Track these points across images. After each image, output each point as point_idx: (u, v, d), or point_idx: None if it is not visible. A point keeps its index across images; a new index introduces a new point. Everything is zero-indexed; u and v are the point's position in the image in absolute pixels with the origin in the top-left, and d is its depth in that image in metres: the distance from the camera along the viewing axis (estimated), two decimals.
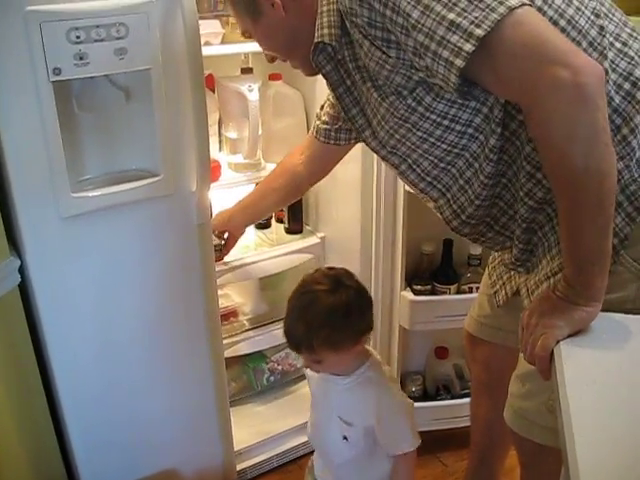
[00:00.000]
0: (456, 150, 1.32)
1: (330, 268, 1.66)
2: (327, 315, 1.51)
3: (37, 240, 1.70)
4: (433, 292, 2.24)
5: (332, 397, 1.67)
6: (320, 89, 2.24)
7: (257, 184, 2.32)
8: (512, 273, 1.58)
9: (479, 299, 1.81)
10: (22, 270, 1.78)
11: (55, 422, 2.04)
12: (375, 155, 2.06)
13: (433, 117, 1.28)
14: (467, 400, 2.40)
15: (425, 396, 2.49)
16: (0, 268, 1.73)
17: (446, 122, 1.28)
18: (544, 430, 1.39)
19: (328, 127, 1.79)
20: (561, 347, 1.09)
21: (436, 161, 1.36)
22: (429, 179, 1.41)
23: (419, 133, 1.31)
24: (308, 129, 2.34)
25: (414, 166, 1.40)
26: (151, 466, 2.12)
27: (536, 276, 1.37)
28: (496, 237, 1.45)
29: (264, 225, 2.45)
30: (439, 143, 1.32)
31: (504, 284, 1.63)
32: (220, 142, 2.28)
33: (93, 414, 1.95)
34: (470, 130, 1.29)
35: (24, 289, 1.83)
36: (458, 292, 2.24)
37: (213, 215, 2.03)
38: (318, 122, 1.82)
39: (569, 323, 1.13)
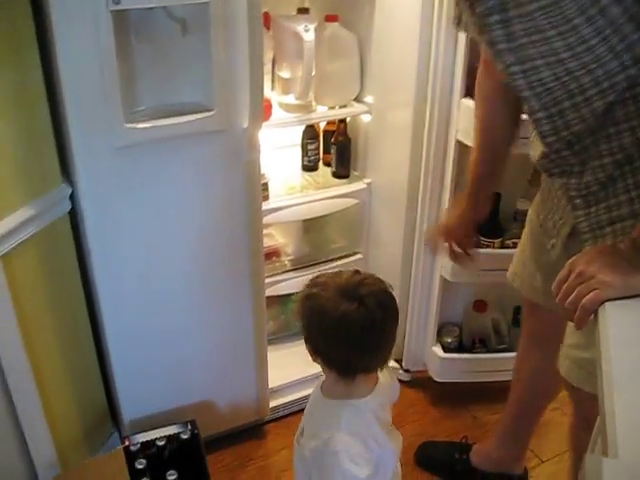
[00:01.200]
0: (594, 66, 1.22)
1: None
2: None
3: (89, 169, 1.73)
4: (477, 245, 2.22)
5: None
6: (377, 32, 2.22)
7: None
8: (564, 213, 1.52)
9: (529, 268, 1.77)
10: (73, 198, 1.82)
11: (98, 349, 2.10)
12: (428, 101, 2.05)
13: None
14: (502, 355, 2.43)
15: (460, 348, 2.50)
16: (52, 195, 1.77)
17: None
18: None
19: None
20: (606, 306, 1.08)
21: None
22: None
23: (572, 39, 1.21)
24: (362, 72, 2.33)
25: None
26: (187, 396, 2.18)
27: (597, 214, 1.32)
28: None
29: (311, 167, 2.45)
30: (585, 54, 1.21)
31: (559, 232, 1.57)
32: (272, 81, 2.26)
33: (135, 343, 2.00)
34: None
35: (74, 217, 1.86)
36: (502, 247, 2.22)
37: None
38: None
39: (625, 287, 1.09)
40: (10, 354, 1.71)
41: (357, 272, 1.41)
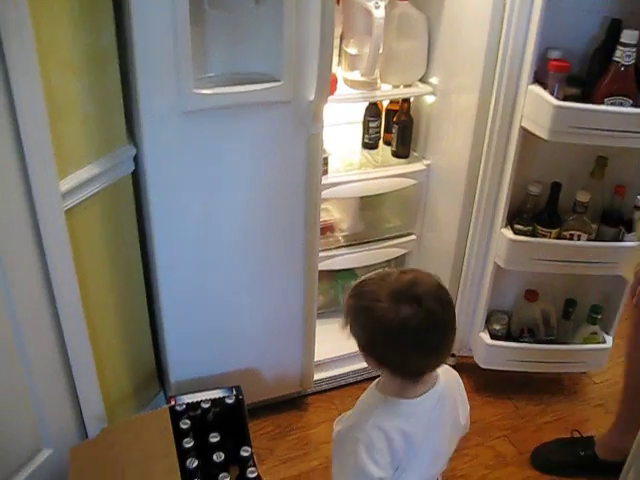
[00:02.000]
0: None
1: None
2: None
3: (155, 131, 1.75)
4: (533, 234, 2.20)
5: None
6: (446, 13, 2.20)
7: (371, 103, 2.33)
8: None
9: None
10: (137, 159, 1.85)
11: (150, 310, 2.14)
12: (494, 86, 2.03)
13: None
14: (549, 347, 2.42)
15: (508, 336, 2.48)
16: (117, 154, 1.81)
17: None
18: None
19: None
20: None
21: None
22: None
23: None
24: (429, 53, 2.31)
25: None
26: (234, 363, 2.21)
27: None
28: None
29: (371, 145, 2.44)
30: None
31: None
32: (339, 56, 2.26)
33: (187, 306, 2.04)
34: None
35: (136, 178, 1.90)
36: (559, 237, 2.20)
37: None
38: None
39: None
40: (68, 308, 1.76)
41: (403, 271, 1.34)
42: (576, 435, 2.28)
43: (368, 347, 1.34)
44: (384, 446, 1.33)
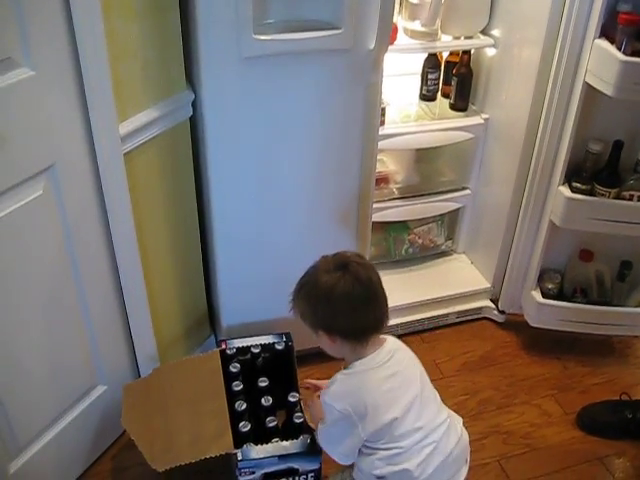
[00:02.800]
0: None
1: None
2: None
3: (214, 77, 1.76)
4: (592, 193, 2.16)
5: None
6: None
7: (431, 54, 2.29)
8: None
9: None
10: (195, 105, 1.86)
11: (204, 255, 2.17)
12: (559, 39, 1.98)
13: None
14: (602, 308, 2.39)
15: (560, 295, 2.46)
16: (176, 99, 1.82)
17: None
18: None
19: None
20: None
21: None
22: None
23: None
24: (492, 4, 2.26)
25: None
26: (286, 310, 2.20)
27: None
28: None
29: (429, 97, 2.41)
30: None
31: None
32: (400, 5, 2.22)
33: (241, 252, 2.07)
34: None
35: (194, 124, 1.91)
36: (618, 197, 2.15)
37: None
38: None
39: None
40: (124, 250, 1.80)
41: (333, 254, 1.57)
42: (624, 398, 2.26)
43: (315, 320, 1.55)
44: (342, 406, 1.52)
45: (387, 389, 1.53)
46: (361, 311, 1.50)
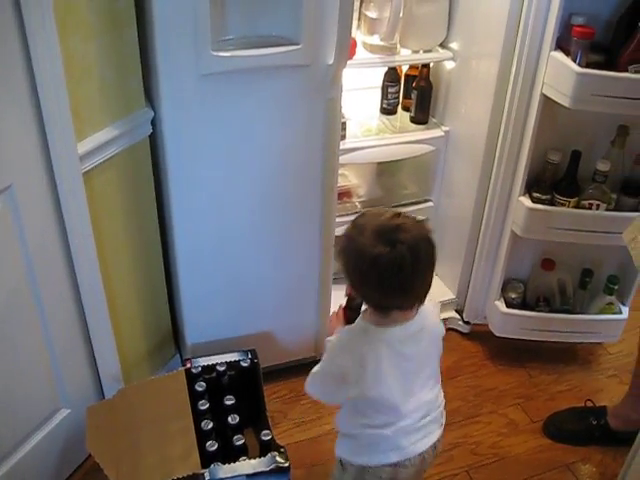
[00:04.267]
0: None
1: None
2: None
3: (173, 94, 1.75)
4: (552, 203, 2.18)
5: None
6: None
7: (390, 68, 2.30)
8: None
9: None
10: (154, 122, 1.85)
11: (167, 272, 2.15)
12: (516, 52, 2.00)
13: None
14: (565, 316, 2.42)
15: (524, 305, 2.48)
16: (134, 117, 1.80)
17: None
18: None
19: None
20: None
21: None
22: None
23: None
24: (450, 18, 2.28)
25: None
26: (249, 326, 2.23)
27: None
28: None
29: (390, 111, 2.43)
30: None
31: None
32: (359, 20, 2.23)
33: (204, 269, 2.05)
34: None
35: (154, 141, 1.90)
36: (577, 206, 2.18)
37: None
38: None
39: None
40: (85, 270, 1.77)
41: (398, 215, 1.44)
42: (589, 405, 2.28)
43: (345, 271, 1.47)
44: (348, 361, 1.49)
45: (395, 372, 1.49)
46: (390, 293, 1.44)
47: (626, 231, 1.85)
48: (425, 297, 1.47)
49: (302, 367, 2.39)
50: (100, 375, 1.96)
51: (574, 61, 1.90)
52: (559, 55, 1.94)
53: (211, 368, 2.00)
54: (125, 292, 2.01)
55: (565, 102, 1.93)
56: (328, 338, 1.63)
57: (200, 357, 2.03)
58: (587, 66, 1.89)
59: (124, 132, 1.76)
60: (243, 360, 2.02)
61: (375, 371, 1.47)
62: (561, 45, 1.96)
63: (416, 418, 1.56)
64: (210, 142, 1.84)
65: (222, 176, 1.91)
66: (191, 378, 1.95)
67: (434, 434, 1.61)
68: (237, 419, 1.85)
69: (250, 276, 2.11)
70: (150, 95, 1.83)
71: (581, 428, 2.24)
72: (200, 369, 1.99)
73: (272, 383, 2.32)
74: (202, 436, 1.80)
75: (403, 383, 1.51)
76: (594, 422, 2.22)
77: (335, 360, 1.53)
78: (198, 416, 1.84)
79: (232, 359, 2.03)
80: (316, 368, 1.59)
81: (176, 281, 2.09)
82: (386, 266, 1.38)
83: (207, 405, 1.87)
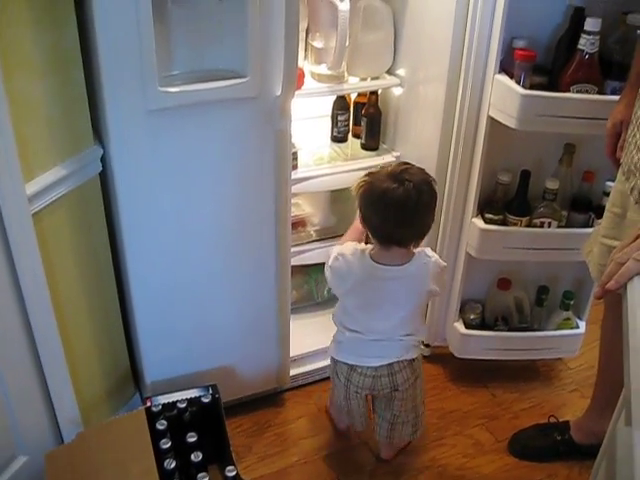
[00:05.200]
0: None
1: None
2: None
3: (121, 131, 1.74)
4: (504, 223, 2.21)
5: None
6: (411, 4, 2.20)
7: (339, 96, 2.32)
8: None
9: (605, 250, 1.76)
10: (104, 159, 1.83)
11: (123, 310, 2.13)
12: (461, 76, 2.04)
13: None
14: (523, 334, 2.44)
15: (483, 325, 2.50)
16: (83, 155, 1.78)
17: None
18: None
19: None
20: (634, 280, 1.08)
21: None
22: None
23: None
24: (396, 45, 2.31)
25: None
26: (209, 361, 2.20)
27: None
28: None
29: (340, 139, 2.44)
30: None
31: None
32: (305, 51, 2.25)
33: (160, 306, 2.03)
34: None
35: (104, 178, 1.88)
36: (529, 225, 2.21)
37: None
38: None
39: None
40: (38, 312, 1.73)
41: (405, 163, 1.81)
42: (552, 420, 2.30)
43: (360, 206, 1.81)
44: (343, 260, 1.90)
45: (365, 295, 1.90)
46: (393, 226, 1.76)
47: (584, 245, 1.88)
48: (422, 238, 1.84)
49: (264, 399, 2.40)
50: (58, 419, 1.91)
51: (518, 83, 1.94)
52: (503, 78, 1.98)
53: (172, 406, 1.96)
54: (81, 333, 1.97)
55: (511, 123, 1.97)
56: (341, 244, 1.97)
57: (160, 395, 2.00)
58: (531, 88, 1.93)
59: (73, 171, 1.74)
60: (204, 396, 2.00)
61: (352, 287, 1.89)
62: (505, 68, 2.00)
63: (372, 337, 1.95)
64: (161, 177, 1.83)
65: (174, 211, 1.90)
66: (152, 417, 1.91)
67: (388, 358, 1.97)
68: (200, 456, 1.82)
69: (207, 310, 2.09)
70: (99, 132, 1.82)
71: (546, 444, 2.25)
72: (161, 407, 1.95)
73: (235, 417, 2.30)
74: (165, 476, 1.76)
75: (367, 306, 1.92)
76: (558, 437, 2.24)
77: (339, 260, 1.90)
78: (160, 455, 1.81)
79: (193, 395, 2.00)
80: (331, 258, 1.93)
81: (132, 319, 2.06)
82: (394, 199, 1.71)
83: (169, 444, 1.84)
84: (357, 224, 1.95)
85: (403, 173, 1.74)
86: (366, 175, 1.81)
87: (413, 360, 2.03)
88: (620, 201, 1.70)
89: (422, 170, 1.80)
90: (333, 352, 2.06)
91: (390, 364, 1.98)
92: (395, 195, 1.71)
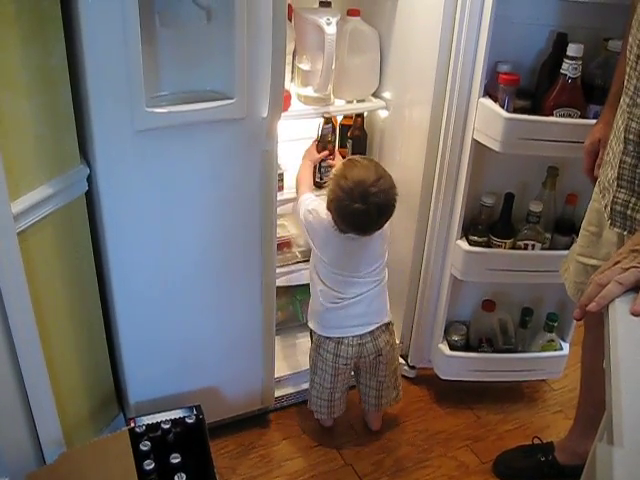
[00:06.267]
0: None
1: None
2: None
3: (108, 151, 1.74)
4: (488, 245, 2.23)
5: None
6: (398, 28, 2.23)
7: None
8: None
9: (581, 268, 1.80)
10: (90, 179, 1.83)
11: (107, 331, 2.12)
12: (446, 99, 2.06)
13: None
14: (508, 355, 2.45)
15: (467, 346, 2.51)
16: (70, 175, 1.78)
17: None
18: None
19: None
20: (616, 302, 1.09)
21: None
22: None
23: None
24: (382, 68, 2.33)
25: None
26: (194, 382, 2.20)
27: None
28: None
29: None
30: None
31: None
32: (292, 73, 2.27)
33: (145, 327, 2.02)
34: None
35: (90, 198, 1.88)
36: (513, 247, 2.23)
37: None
38: None
39: None
40: (22, 331, 1.72)
41: (376, 179, 1.95)
42: (536, 442, 2.30)
43: (328, 198, 2.02)
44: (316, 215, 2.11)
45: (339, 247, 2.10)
46: (355, 229, 2.02)
47: (561, 263, 1.90)
48: (375, 233, 2.05)
49: (249, 420, 2.39)
50: (40, 439, 1.89)
51: (502, 107, 1.96)
52: (487, 102, 2.01)
53: (156, 426, 1.95)
54: (65, 353, 1.96)
55: (495, 147, 1.99)
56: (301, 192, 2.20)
57: (144, 415, 1.99)
58: (514, 111, 1.96)
59: (60, 190, 1.74)
60: (188, 417, 1.99)
61: (326, 241, 2.10)
62: (489, 92, 2.02)
63: (349, 278, 2.14)
64: (147, 197, 1.83)
65: (161, 231, 1.90)
66: (135, 437, 1.90)
67: (369, 325, 2.17)
68: (184, 478, 1.80)
69: (192, 331, 2.09)
70: (85, 152, 1.82)
71: (530, 465, 2.25)
72: (144, 428, 1.94)
73: (219, 438, 2.29)
74: None
75: (342, 255, 2.11)
76: (542, 458, 2.24)
77: (312, 215, 2.10)
78: (144, 477, 1.79)
79: (177, 416, 1.99)
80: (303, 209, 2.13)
81: (117, 339, 2.05)
82: (360, 217, 1.96)
83: (153, 465, 1.83)
84: (307, 164, 2.24)
85: (372, 196, 1.93)
86: (342, 172, 1.99)
87: (389, 324, 2.23)
88: (596, 219, 1.73)
89: (387, 188, 1.97)
90: (319, 330, 2.21)
91: (371, 331, 2.18)
92: (361, 215, 1.95)
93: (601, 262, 1.65)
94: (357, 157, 2.11)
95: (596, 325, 1.92)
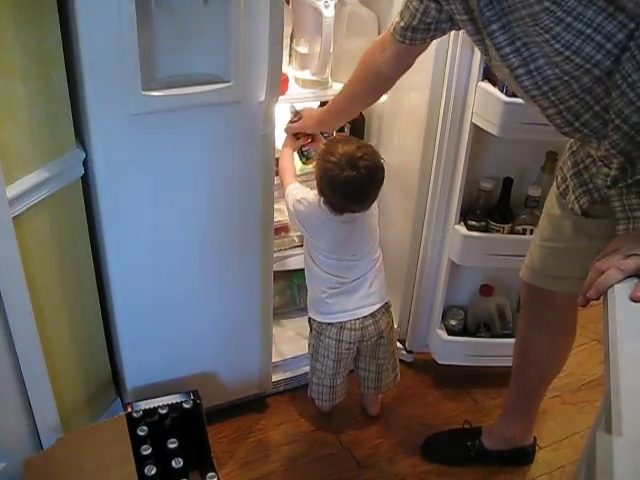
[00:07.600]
0: (588, 66, 1.25)
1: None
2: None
3: (104, 134, 1.73)
4: (487, 229, 2.22)
5: None
6: (396, 11, 2.20)
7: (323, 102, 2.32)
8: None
9: (541, 253, 1.81)
10: (86, 163, 1.82)
11: (104, 315, 2.11)
12: (445, 83, 2.04)
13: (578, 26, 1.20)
14: (505, 340, 2.44)
15: (465, 331, 2.51)
16: (65, 159, 1.77)
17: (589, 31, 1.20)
18: None
19: (404, 26, 1.70)
20: (615, 288, 1.09)
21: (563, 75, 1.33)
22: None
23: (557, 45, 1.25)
24: None
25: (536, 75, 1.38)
26: (191, 367, 2.20)
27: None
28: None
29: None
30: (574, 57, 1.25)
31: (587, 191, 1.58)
32: (290, 56, 2.25)
33: (141, 310, 2.02)
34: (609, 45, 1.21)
35: (86, 182, 1.87)
36: (511, 232, 2.22)
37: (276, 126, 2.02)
38: (397, 19, 1.73)
39: None
40: (18, 316, 1.72)
41: (360, 147, 1.94)
42: (467, 426, 2.31)
43: (317, 178, 1.97)
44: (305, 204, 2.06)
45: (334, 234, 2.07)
46: (349, 202, 1.97)
47: (522, 267, 1.94)
48: (370, 205, 2.04)
49: (246, 405, 2.39)
50: (37, 425, 1.90)
51: (501, 90, 1.95)
52: (486, 85, 1.99)
53: (153, 411, 1.95)
54: (61, 338, 1.96)
55: (494, 131, 1.98)
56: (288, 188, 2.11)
57: (141, 401, 1.99)
58: (513, 95, 1.93)
59: (55, 174, 1.73)
60: (185, 402, 1.99)
61: (320, 228, 2.06)
62: (488, 75, 2.00)
63: (346, 262, 2.12)
64: (144, 182, 1.82)
65: (156, 215, 1.89)
66: (132, 423, 1.90)
67: (370, 307, 2.16)
68: (181, 463, 1.81)
69: (190, 315, 2.08)
70: (81, 136, 1.80)
71: (456, 449, 2.27)
72: (141, 413, 1.94)
73: (216, 423, 2.29)
74: None
75: (336, 241, 2.08)
76: (469, 443, 2.25)
77: (303, 204, 2.05)
78: (141, 462, 1.80)
79: (174, 401, 1.99)
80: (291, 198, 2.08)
81: (114, 323, 2.05)
82: (352, 185, 1.91)
83: (150, 450, 1.83)
84: (288, 152, 2.18)
85: (360, 160, 1.90)
86: (326, 150, 1.96)
87: (388, 305, 2.22)
88: (558, 203, 1.73)
89: (375, 154, 1.97)
90: (320, 317, 2.18)
91: (373, 313, 2.16)
92: (354, 182, 1.90)
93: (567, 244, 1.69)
94: (336, 136, 2.17)
95: (532, 302, 1.97)
